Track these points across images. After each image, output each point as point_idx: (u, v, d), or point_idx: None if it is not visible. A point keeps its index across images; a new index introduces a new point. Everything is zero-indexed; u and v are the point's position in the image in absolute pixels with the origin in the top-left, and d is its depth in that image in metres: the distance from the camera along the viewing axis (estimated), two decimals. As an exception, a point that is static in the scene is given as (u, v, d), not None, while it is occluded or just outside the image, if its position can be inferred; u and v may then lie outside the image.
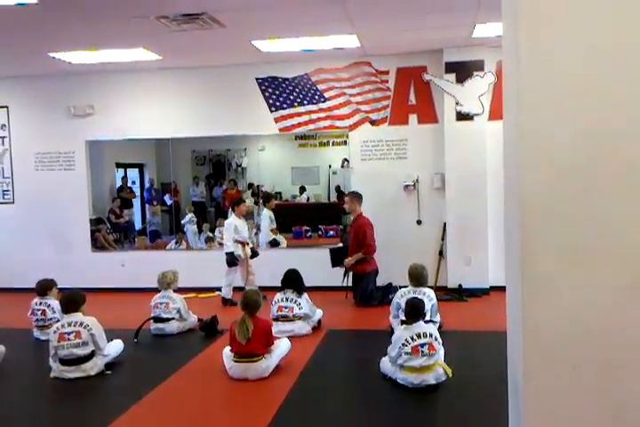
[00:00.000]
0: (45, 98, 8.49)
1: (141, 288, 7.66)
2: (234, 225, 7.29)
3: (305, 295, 5.90)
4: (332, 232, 9.42)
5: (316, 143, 9.65)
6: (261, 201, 9.01)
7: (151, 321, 5.98)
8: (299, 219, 9.66)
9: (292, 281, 5.96)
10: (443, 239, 7.69)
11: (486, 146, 7.31)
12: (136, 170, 10.28)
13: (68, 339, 4.68)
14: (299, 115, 7.97)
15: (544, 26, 1.71)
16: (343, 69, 7.87)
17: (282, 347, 4.79)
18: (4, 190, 8.76)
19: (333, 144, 9.53)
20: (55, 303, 5.83)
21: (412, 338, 4.20)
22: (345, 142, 8.38)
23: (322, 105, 7.94)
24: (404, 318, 4.89)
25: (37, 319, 5.93)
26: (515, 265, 1.87)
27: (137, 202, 10.19)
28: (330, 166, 10.06)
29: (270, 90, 8.00)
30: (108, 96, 8.36)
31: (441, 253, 7.71)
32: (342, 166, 9.30)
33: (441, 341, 4.33)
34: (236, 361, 4.57)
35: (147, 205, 10.16)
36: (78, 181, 8.51)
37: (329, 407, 4.05)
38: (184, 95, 8.25)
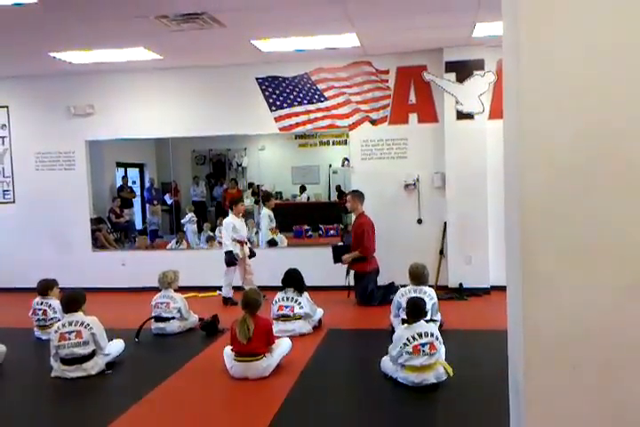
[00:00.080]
0: (45, 98, 8.49)
1: (142, 288, 7.68)
2: (232, 224, 7.29)
3: (305, 295, 5.90)
4: (332, 231, 9.43)
5: (316, 143, 9.66)
6: (261, 200, 9.02)
7: (152, 320, 5.99)
8: (299, 218, 9.67)
9: (293, 280, 5.96)
10: (443, 238, 7.69)
11: (486, 145, 7.30)
12: (136, 169, 10.30)
13: (69, 338, 4.69)
14: (298, 114, 7.96)
15: (544, 26, 1.71)
16: (343, 69, 7.86)
17: (282, 346, 4.79)
18: (4, 190, 8.76)
19: (333, 143, 9.54)
20: (56, 303, 5.83)
21: (413, 337, 4.20)
22: (345, 142, 8.39)
23: (322, 104, 7.93)
24: (404, 317, 4.89)
25: (38, 319, 5.94)
26: (515, 265, 1.87)
27: (137, 201, 10.20)
28: (330, 166, 10.07)
29: (270, 89, 8.00)
30: (108, 96, 8.35)
31: (441, 253, 7.71)
32: (342, 166, 9.31)
33: (442, 340, 4.34)
34: (236, 360, 4.57)
35: (147, 205, 10.17)
36: (78, 181, 8.50)
37: (330, 407, 4.05)
38: (184, 95, 8.25)
